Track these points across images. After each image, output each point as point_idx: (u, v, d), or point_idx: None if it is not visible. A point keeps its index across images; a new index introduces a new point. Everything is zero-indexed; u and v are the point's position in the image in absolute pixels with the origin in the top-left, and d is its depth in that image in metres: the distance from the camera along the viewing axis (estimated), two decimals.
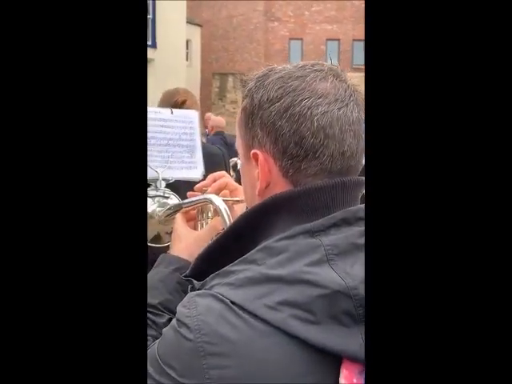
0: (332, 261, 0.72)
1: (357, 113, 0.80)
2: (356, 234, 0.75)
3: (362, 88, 0.80)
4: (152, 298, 0.97)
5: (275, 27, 21.90)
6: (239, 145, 0.87)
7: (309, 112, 0.76)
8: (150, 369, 0.75)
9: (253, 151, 0.81)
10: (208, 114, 7.78)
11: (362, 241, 0.74)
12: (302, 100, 0.77)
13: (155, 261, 1.07)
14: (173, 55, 15.14)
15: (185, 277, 0.85)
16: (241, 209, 1.12)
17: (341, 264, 0.72)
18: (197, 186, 1.22)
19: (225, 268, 0.76)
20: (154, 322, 0.95)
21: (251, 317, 0.69)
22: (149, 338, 0.90)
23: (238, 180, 1.11)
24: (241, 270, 0.74)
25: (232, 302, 0.71)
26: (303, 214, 0.77)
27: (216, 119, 6.92)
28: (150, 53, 13.63)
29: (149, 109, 1.66)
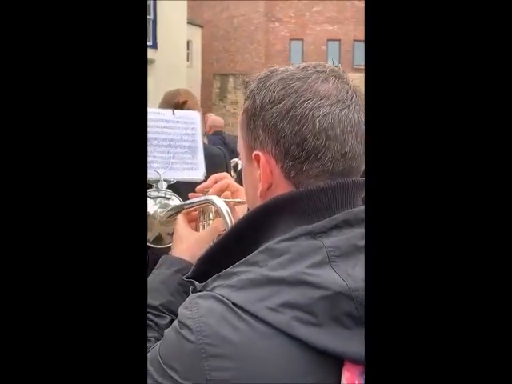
0: (334, 262, 0.72)
1: (358, 114, 0.80)
2: (358, 235, 0.75)
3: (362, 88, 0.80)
4: (153, 300, 0.97)
5: (276, 28, 21.91)
6: (241, 146, 0.87)
7: (311, 113, 0.76)
8: (151, 370, 0.75)
9: (254, 152, 0.81)
10: (209, 115, 7.72)
11: (363, 242, 0.73)
12: (303, 101, 0.77)
13: (157, 261, 1.07)
14: (174, 56, 15.16)
15: (186, 278, 0.85)
16: (242, 210, 1.12)
17: (342, 266, 0.72)
18: (198, 187, 1.22)
19: (226, 270, 0.76)
20: (155, 323, 0.95)
21: (253, 318, 0.69)
22: (150, 339, 0.90)
23: (239, 181, 1.11)
24: (242, 271, 0.74)
25: (234, 304, 0.70)
26: (305, 215, 0.77)
27: (213, 119, 6.68)
28: (151, 53, 13.64)
29: (151, 110, 1.67)
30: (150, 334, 0.92)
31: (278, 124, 0.78)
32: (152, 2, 14.23)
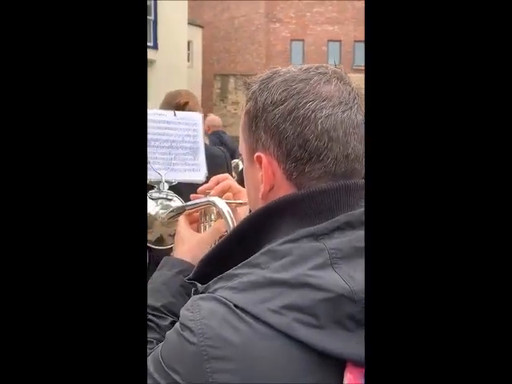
0: (336, 264, 0.72)
1: (361, 115, 0.80)
2: (360, 237, 0.74)
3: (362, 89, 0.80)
4: (155, 301, 0.97)
5: (277, 28, 21.92)
6: (243, 148, 0.87)
7: (313, 115, 0.76)
8: (153, 371, 0.75)
9: (256, 154, 0.81)
10: (208, 115, 7.68)
11: None
12: (306, 103, 0.77)
13: (159, 262, 1.07)
14: (174, 56, 15.16)
15: (188, 280, 0.85)
16: (244, 211, 1.12)
17: (345, 268, 0.71)
18: (200, 188, 1.22)
19: (228, 271, 0.76)
20: (157, 324, 0.95)
21: (254, 320, 0.69)
22: (152, 340, 0.90)
23: (239, 181, 1.11)
24: (244, 273, 0.74)
25: (235, 306, 0.70)
26: (307, 217, 0.77)
27: (211, 118, 6.52)
28: (152, 54, 13.65)
29: (152, 111, 1.67)
30: (152, 335, 0.92)
31: (280, 125, 0.78)
32: (152, 3, 14.24)
